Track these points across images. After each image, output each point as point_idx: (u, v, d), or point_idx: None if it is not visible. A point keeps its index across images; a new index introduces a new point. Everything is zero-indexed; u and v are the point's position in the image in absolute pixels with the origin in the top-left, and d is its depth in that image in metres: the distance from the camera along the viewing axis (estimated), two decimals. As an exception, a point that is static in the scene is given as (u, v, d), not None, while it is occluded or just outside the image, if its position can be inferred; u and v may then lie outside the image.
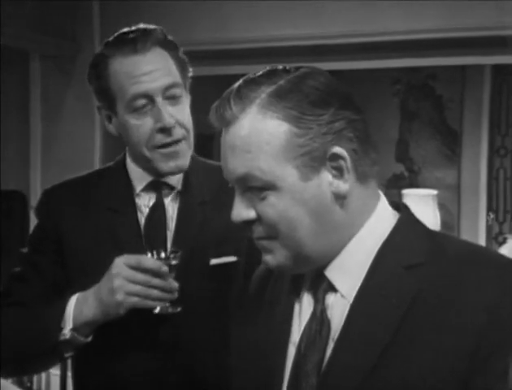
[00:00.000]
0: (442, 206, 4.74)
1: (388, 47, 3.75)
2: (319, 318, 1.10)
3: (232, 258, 1.69)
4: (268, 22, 3.88)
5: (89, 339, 1.59)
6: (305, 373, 1.08)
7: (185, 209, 1.70)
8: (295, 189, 1.05)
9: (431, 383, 0.98)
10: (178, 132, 1.63)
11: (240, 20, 3.94)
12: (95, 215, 1.70)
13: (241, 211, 1.09)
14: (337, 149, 1.05)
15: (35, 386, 4.11)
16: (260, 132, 1.05)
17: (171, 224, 1.70)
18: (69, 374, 3.62)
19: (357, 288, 1.08)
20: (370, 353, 1.02)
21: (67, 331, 1.56)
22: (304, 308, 1.14)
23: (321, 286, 1.11)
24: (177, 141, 1.63)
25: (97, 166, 4.21)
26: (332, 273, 1.10)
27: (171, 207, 1.71)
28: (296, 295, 1.17)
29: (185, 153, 1.66)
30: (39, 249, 1.72)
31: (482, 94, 5.10)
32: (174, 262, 1.55)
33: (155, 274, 1.52)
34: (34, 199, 4.37)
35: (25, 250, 1.76)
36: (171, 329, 1.62)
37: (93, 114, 4.18)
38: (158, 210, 1.70)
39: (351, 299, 1.08)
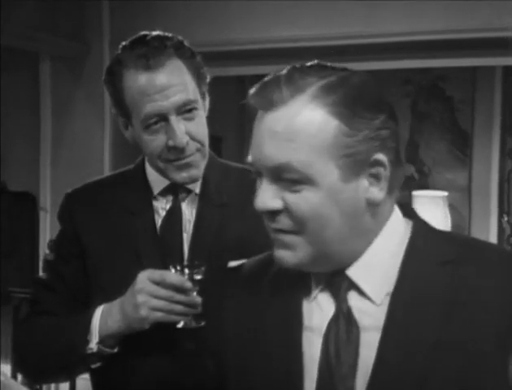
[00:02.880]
0: (452, 208, 4.71)
1: (395, 48, 3.74)
2: (347, 318, 1.08)
3: None
4: (274, 23, 3.87)
5: (116, 350, 1.59)
6: (341, 376, 1.05)
7: (203, 211, 1.69)
8: (333, 188, 1.03)
9: (483, 370, 1.00)
10: (191, 148, 1.62)
11: (244, 22, 3.93)
12: (114, 218, 1.71)
13: (267, 200, 1.06)
14: (381, 156, 1.05)
15: (44, 388, 4.11)
16: (308, 123, 1.02)
17: (189, 227, 1.69)
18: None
19: (384, 289, 1.08)
20: (421, 352, 1.02)
21: (93, 344, 1.57)
22: (316, 306, 1.12)
23: (342, 285, 1.10)
24: (190, 155, 1.62)
25: (107, 167, 4.21)
26: (355, 273, 1.09)
27: (189, 210, 1.70)
28: (303, 293, 1.14)
29: (199, 164, 1.66)
30: (63, 255, 1.73)
31: (493, 96, 5.07)
32: (197, 277, 1.55)
33: (179, 289, 1.52)
34: (43, 200, 4.38)
35: (50, 257, 1.77)
36: (189, 334, 1.61)
37: (102, 115, 4.18)
38: (174, 213, 1.69)
39: (378, 300, 1.07)
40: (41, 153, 4.39)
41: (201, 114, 1.65)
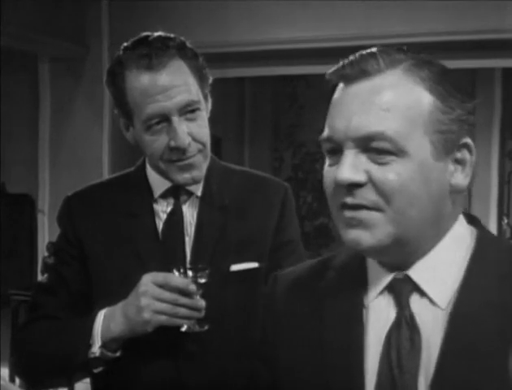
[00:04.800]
0: (452, 210, 4.71)
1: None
2: (410, 325, 1.03)
3: (254, 264, 1.65)
4: (273, 25, 3.87)
5: (118, 354, 1.57)
6: (405, 385, 1.01)
7: (204, 214, 1.67)
8: (424, 163, 0.99)
9: None
10: (193, 149, 1.60)
11: (243, 23, 3.93)
12: (114, 220, 1.68)
13: (350, 172, 0.99)
14: (469, 141, 1.01)
15: None
16: (404, 94, 1.00)
17: (190, 230, 1.67)
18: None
19: (449, 295, 1.04)
20: (481, 363, 0.99)
21: (96, 348, 1.54)
22: (374, 311, 1.08)
23: (403, 290, 1.05)
24: (192, 156, 1.61)
25: (105, 169, 4.20)
26: (419, 275, 1.04)
27: (190, 213, 1.68)
28: (361, 297, 1.09)
29: (201, 165, 1.64)
30: (64, 259, 1.70)
31: (493, 98, 5.08)
32: (201, 280, 1.53)
33: (183, 292, 1.49)
34: (42, 202, 4.37)
35: (50, 260, 1.75)
36: (193, 338, 1.60)
37: (101, 117, 4.18)
38: (175, 215, 1.67)
39: (443, 305, 1.03)
40: (40, 155, 4.39)
41: (204, 115, 1.64)
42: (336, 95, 1.04)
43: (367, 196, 1.00)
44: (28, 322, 1.72)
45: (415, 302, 1.04)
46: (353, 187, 1.01)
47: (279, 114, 6.66)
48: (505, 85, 5.11)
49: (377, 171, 1.00)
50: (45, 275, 1.77)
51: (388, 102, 0.99)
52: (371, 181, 1.00)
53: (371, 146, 0.99)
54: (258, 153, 6.61)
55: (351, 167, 1.00)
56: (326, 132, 1.03)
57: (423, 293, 1.04)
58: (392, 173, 0.99)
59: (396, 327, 1.04)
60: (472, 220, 1.11)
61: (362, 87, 1.01)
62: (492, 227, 5.09)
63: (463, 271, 1.04)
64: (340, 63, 1.04)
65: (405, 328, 1.03)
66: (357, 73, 1.01)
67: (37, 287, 1.77)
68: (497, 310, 1.01)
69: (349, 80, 1.02)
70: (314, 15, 3.81)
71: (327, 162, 1.05)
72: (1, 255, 4.40)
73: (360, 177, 1.00)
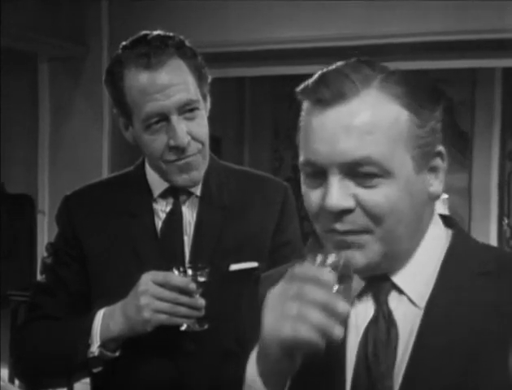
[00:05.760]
0: (452, 211, 4.70)
1: (394, 49, 3.74)
2: (388, 320, 1.06)
3: (253, 264, 1.65)
4: (273, 24, 3.87)
5: (117, 353, 1.57)
6: (380, 374, 1.04)
7: (204, 214, 1.67)
8: (409, 180, 1.01)
9: None
10: (193, 148, 1.60)
11: (242, 23, 3.93)
12: (113, 220, 1.68)
13: (339, 198, 0.99)
14: (442, 149, 1.04)
15: None
16: (384, 114, 1.00)
17: (189, 229, 1.67)
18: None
19: (425, 293, 1.06)
20: (456, 358, 1.01)
21: (95, 348, 1.54)
22: (353, 310, 1.08)
23: (382, 288, 1.08)
24: (191, 155, 1.61)
25: (105, 169, 4.20)
26: (398, 276, 1.07)
27: (189, 212, 1.68)
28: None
29: (199, 165, 1.64)
30: (63, 259, 1.70)
31: (493, 97, 5.07)
32: (201, 279, 1.53)
33: (183, 291, 1.49)
34: (42, 203, 4.37)
35: (49, 260, 1.74)
36: (192, 337, 1.60)
37: (101, 117, 4.17)
38: (174, 215, 1.67)
39: (421, 303, 1.06)
40: (39, 155, 4.38)
41: (203, 114, 1.64)
42: (313, 118, 1.02)
43: (357, 220, 1.01)
44: (26, 322, 1.72)
45: (393, 299, 1.07)
46: (342, 213, 1.01)
47: (279, 114, 6.66)
48: (505, 85, 5.11)
49: (365, 195, 1.00)
50: (44, 275, 1.76)
51: (370, 124, 0.99)
52: (360, 205, 1.01)
53: (358, 171, 0.99)
54: (258, 153, 6.60)
55: (339, 193, 1.00)
56: (306, 156, 1.03)
57: (401, 292, 1.07)
58: (380, 196, 1.00)
59: (374, 321, 1.07)
60: (450, 222, 1.14)
61: (340, 110, 0.99)
62: (493, 228, 5.09)
63: (438, 269, 1.07)
64: (311, 83, 1.02)
65: (382, 322, 1.06)
66: (334, 96, 0.99)
67: (36, 287, 1.76)
68: (469, 308, 1.03)
69: (326, 104, 1.00)
70: (314, 15, 3.81)
71: (308, 184, 1.05)
72: (0, 255, 4.39)
73: (349, 203, 1.00)
